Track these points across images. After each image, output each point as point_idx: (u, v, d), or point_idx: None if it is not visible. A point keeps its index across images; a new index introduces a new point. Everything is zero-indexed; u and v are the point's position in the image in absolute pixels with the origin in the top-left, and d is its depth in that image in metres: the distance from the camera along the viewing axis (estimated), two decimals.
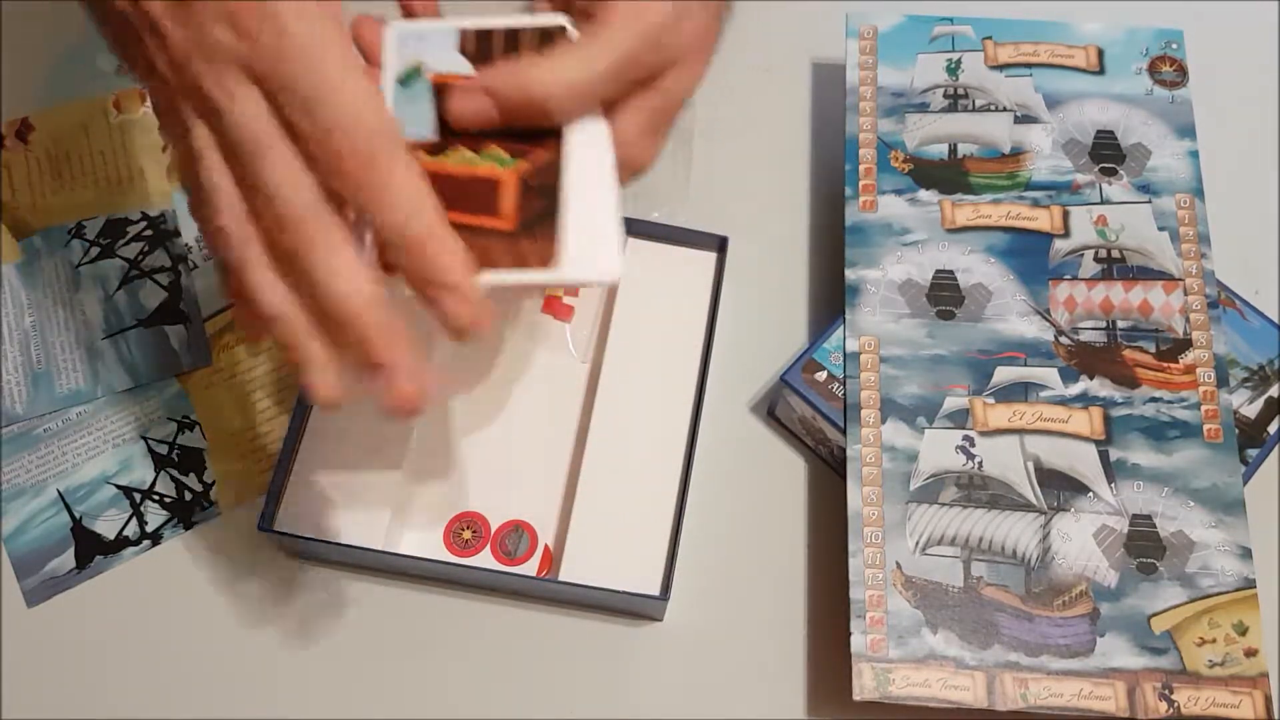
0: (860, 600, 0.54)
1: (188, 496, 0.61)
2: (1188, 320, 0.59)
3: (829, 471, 0.62)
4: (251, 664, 0.58)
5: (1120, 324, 0.59)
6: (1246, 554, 0.55)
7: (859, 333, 0.59)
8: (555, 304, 0.65)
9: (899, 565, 0.55)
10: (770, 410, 0.64)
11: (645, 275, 0.64)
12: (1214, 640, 0.53)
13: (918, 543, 0.55)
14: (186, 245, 0.67)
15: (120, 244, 0.66)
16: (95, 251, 0.66)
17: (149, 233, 0.67)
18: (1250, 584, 0.54)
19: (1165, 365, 0.58)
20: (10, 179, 0.68)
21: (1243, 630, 0.53)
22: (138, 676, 0.57)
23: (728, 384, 0.64)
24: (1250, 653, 0.53)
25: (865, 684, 0.53)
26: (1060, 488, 0.56)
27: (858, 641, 0.53)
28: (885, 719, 0.54)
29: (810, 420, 0.60)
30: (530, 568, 0.59)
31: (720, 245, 0.64)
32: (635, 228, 0.64)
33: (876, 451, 0.57)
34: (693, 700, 0.57)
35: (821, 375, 0.59)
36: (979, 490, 0.56)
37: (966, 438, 0.57)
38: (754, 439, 0.63)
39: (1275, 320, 0.62)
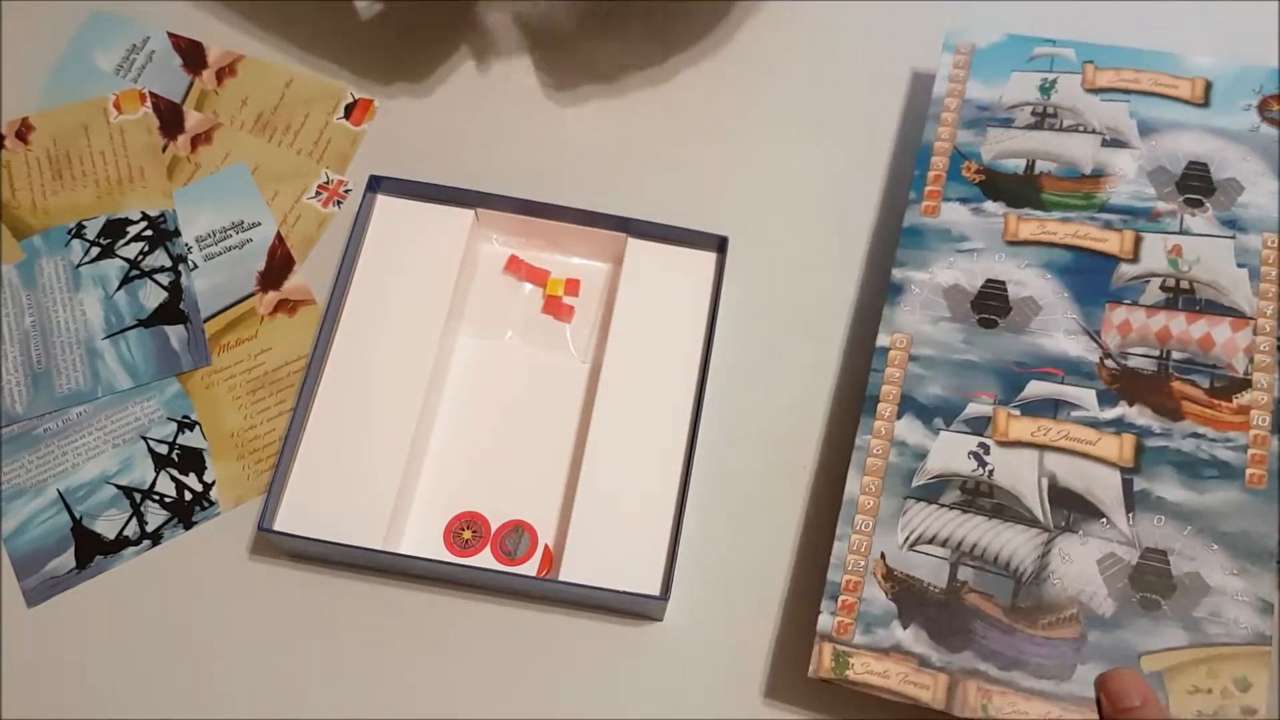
0: (836, 582, 0.53)
1: (188, 496, 0.61)
2: (1251, 360, 0.55)
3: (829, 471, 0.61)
4: (251, 664, 0.58)
5: (1175, 355, 0.56)
6: (1267, 608, 0.50)
7: (892, 329, 0.59)
8: (555, 304, 0.65)
9: (883, 556, 0.54)
10: None
11: (645, 275, 0.63)
12: (1209, 690, 0.49)
13: (908, 538, 0.54)
14: (186, 245, 0.67)
15: (120, 244, 0.66)
16: (95, 251, 0.66)
17: (149, 233, 0.66)
18: (1265, 639, 0.50)
19: (1216, 402, 0.55)
20: (10, 179, 0.68)
21: (1245, 686, 0.49)
22: (138, 676, 0.57)
23: (728, 384, 0.63)
24: (1249, 711, 0.48)
25: (823, 663, 0.52)
26: (1072, 509, 0.54)
27: (824, 621, 0.53)
28: (880, 718, 0.53)
29: None
30: (530, 568, 0.59)
31: (720, 245, 0.63)
32: (635, 228, 0.64)
33: (885, 444, 0.56)
34: (692, 700, 0.57)
35: None
36: (984, 498, 0.54)
37: (982, 444, 0.56)
38: (754, 439, 0.62)
39: None
